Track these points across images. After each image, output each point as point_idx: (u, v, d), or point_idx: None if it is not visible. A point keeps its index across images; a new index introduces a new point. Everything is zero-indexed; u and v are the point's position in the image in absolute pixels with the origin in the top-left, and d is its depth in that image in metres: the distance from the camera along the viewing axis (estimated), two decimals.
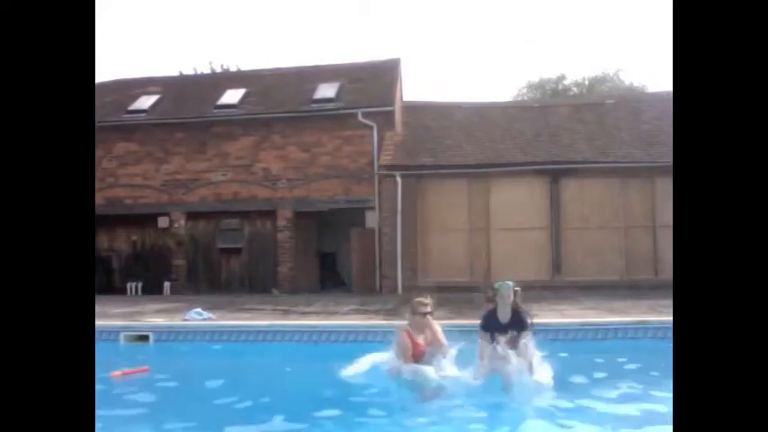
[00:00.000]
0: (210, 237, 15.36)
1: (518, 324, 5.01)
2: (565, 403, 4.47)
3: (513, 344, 4.95)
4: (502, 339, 4.93)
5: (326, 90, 15.77)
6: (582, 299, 10.65)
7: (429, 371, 4.85)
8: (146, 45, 47.27)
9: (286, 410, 4.57)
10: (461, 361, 5.11)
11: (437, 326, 5.15)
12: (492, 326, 5.05)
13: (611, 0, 43.78)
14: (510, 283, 5.12)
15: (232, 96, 16.05)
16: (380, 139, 14.65)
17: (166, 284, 14.98)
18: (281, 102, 15.74)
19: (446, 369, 4.89)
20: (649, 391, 4.79)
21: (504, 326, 5.03)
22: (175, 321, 8.12)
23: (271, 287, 14.60)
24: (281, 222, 14.88)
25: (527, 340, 4.94)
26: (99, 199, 14.72)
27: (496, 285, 5.15)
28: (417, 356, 5.01)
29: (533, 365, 4.83)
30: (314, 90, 15.86)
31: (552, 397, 4.64)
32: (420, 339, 5.09)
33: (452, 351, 5.13)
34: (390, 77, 16.17)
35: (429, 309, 5.12)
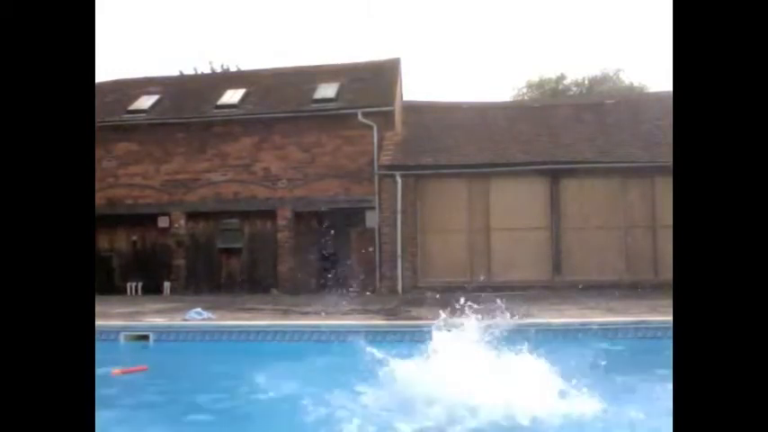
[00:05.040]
0: (210, 237, 15.35)
1: None
2: (564, 403, 4.46)
3: None
4: None
5: (326, 90, 15.77)
6: (582, 299, 10.64)
7: None
8: (146, 45, 47.29)
9: (285, 410, 4.57)
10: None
11: None
12: None
13: (611, 0, 43.77)
14: None
15: (232, 96, 16.04)
16: (380, 138, 14.65)
17: (166, 284, 14.98)
18: (282, 102, 15.73)
19: None
20: (649, 391, 4.79)
21: None
22: (175, 321, 8.12)
23: (271, 287, 14.60)
24: (281, 222, 14.88)
25: None
26: (99, 199, 14.71)
27: None
28: None
29: None
30: (314, 90, 15.86)
31: (552, 397, 4.63)
32: None
33: None
34: (390, 77, 16.17)
35: None
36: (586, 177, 13.71)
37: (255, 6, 47.11)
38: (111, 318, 8.49)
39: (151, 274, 15.21)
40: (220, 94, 16.21)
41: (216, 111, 15.62)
